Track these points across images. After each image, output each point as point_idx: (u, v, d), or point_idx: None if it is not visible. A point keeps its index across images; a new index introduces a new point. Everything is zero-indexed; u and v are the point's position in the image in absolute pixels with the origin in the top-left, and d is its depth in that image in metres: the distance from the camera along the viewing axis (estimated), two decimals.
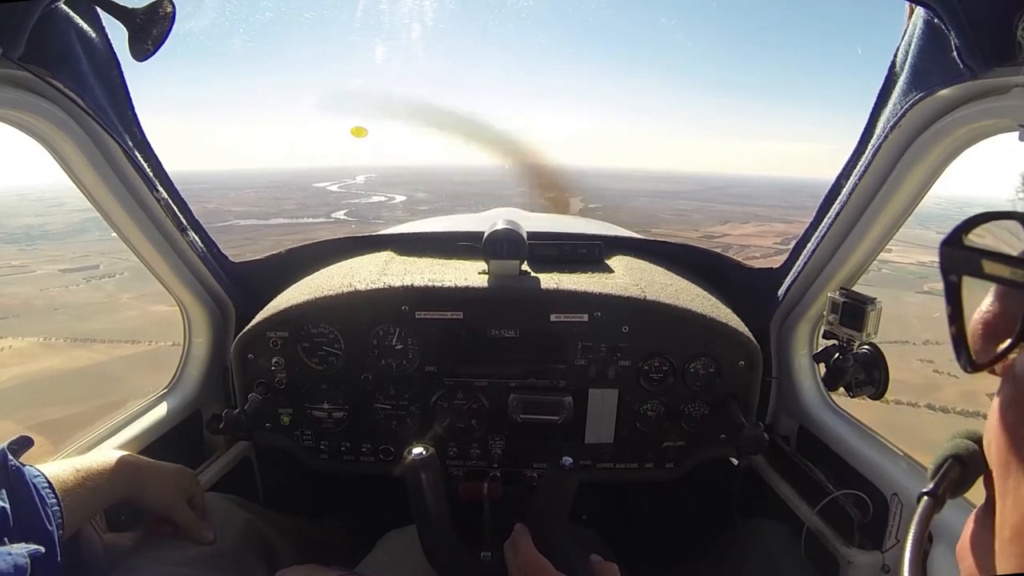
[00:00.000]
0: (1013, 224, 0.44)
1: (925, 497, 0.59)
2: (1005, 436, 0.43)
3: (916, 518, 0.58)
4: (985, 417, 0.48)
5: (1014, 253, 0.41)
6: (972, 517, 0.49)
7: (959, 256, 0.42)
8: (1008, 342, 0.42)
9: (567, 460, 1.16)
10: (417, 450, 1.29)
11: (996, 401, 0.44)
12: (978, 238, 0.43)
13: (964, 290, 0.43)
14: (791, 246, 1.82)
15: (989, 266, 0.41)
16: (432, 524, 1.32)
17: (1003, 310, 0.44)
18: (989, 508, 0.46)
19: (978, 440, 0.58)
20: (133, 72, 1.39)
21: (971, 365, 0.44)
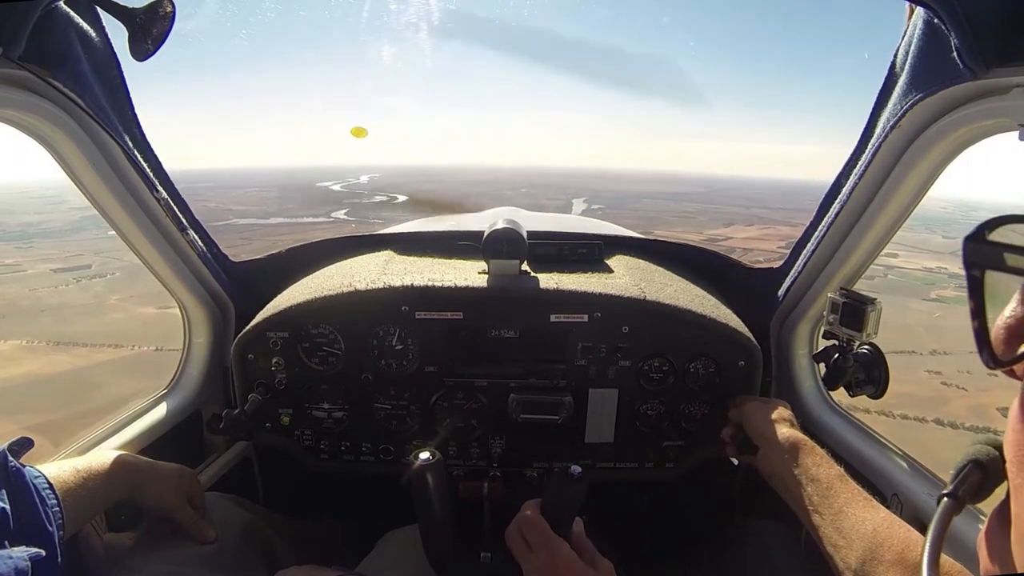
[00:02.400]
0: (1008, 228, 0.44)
1: (945, 498, 0.60)
2: (1022, 434, 0.44)
3: (936, 519, 0.59)
4: (996, 433, 0.48)
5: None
6: (992, 512, 0.50)
7: (982, 250, 0.43)
8: None
9: (576, 469, 1.16)
10: (424, 455, 1.28)
11: (1016, 401, 0.45)
12: (1001, 237, 0.44)
13: (987, 286, 0.43)
14: None
15: (1012, 259, 0.41)
16: (435, 528, 1.31)
17: None
18: (1006, 505, 0.47)
19: (999, 447, 0.59)
20: (134, 72, 1.39)
21: (993, 361, 0.45)
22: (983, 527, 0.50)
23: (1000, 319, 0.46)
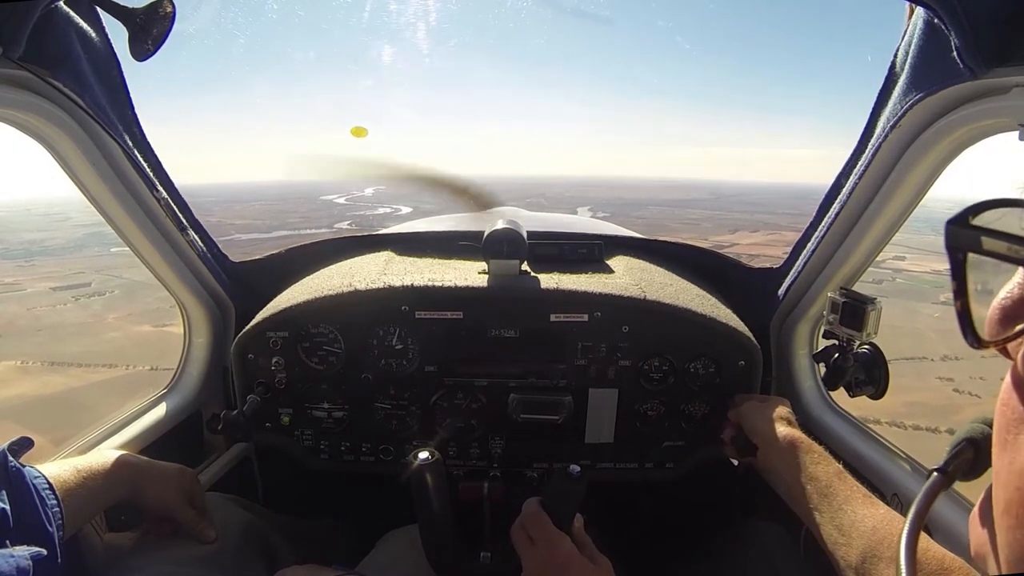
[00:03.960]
0: (1021, 212, 0.45)
1: (935, 473, 0.62)
2: (1008, 411, 0.44)
3: (922, 492, 0.60)
4: None
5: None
6: (984, 491, 0.50)
7: (963, 234, 0.44)
8: (1022, 325, 0.44)
9: (575, 469, 1.17)
10: (423, 455, 1.28)
11: (1006, 381, 0.45)
12: (984, 221, 0.45)
13: (969, 268, 0.45)
14: None
15: (988, 243, 0.43)
16: (435, 528, 1.32)
17: (1021, 296, 0.46)
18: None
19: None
20: (136, 74, 1.39)
21: (977, 342, 0.45)
22: (976, 506, 0.50)
23: (996, 300, 0.46)
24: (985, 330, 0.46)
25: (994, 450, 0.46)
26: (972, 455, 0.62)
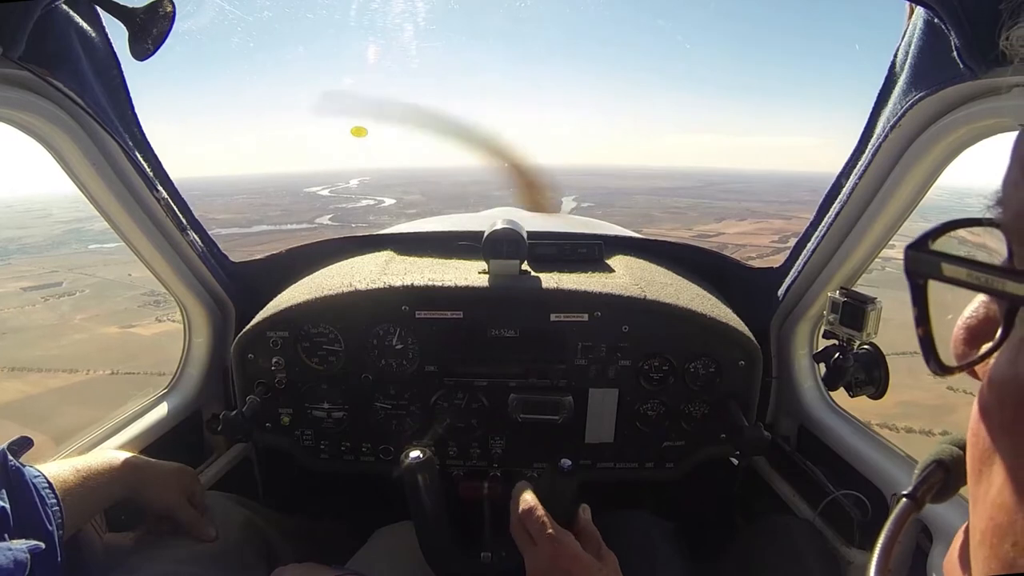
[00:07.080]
0: (983, 230, 0.44)
1: (903, 499, 0.60)
2: (979, 441, 0.43)
3: (891, 519, 0.59)
4: None
5: (980, 258, 0.42)
6: (961, 530, 0.48)
7: (922, 259, 0.43)
8: (987, 347, 0.43)
9: (565, 462, 1.16)
10: (414, 453, 1.28)
11: (973, 409, 0.44)
12: (945, 243, 0.44)
13: (930, 294, 0.43)
14: (788, 244, 1.82)
15: (948, 269, 0.41)
16: (430, 526, 1.32)
17: (985, 315, 0.45)
18: None
19: (964, 446, 0.58)
20: (133, 72, 1.39)
21: (940, 368, 0.44)
22: (955, 548, 0.49)
23: (960, 320, 0.46)
24: (951, 352, 0.45)
25: (970, 480, 0.45)
26: (942, 478, 0.60)
